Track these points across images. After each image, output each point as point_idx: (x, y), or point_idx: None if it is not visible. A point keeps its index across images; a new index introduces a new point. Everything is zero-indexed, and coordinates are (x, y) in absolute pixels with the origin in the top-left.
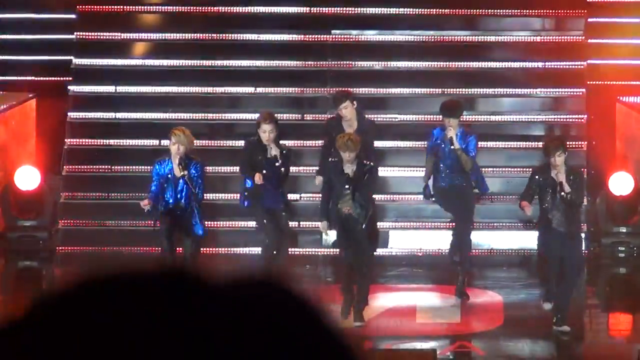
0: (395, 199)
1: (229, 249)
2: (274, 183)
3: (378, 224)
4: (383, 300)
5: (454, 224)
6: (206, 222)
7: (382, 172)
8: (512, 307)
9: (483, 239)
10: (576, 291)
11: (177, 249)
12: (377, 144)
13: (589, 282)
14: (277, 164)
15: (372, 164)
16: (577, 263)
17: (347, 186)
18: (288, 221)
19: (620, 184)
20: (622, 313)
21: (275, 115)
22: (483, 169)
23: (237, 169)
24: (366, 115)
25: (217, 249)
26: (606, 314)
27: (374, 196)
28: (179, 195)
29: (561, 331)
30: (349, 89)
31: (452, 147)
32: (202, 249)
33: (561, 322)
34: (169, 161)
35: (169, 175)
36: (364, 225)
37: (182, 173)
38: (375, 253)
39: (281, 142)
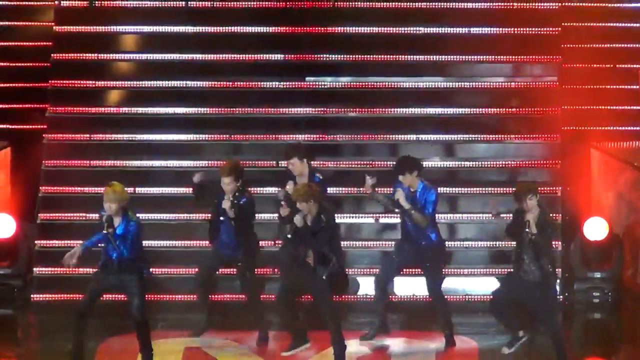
0: (368, 245)
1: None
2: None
3: (352, 270)
4: (359, 347)
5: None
6: None
7: (353, 218)
8: (486, 353)
9: (458, 285)
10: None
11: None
12: (356, 190)
13: (563, 327)
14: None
15: (324, 220)
16: (546, 313)
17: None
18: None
19: (594, 229)
20: (597, 359)
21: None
22: (458, 215)
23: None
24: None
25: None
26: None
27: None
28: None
29: None
30: (300, 143)
31: (398, 210)
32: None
33: None
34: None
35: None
36: (323, 276)
37: (105, 231)
38: (343, 299)
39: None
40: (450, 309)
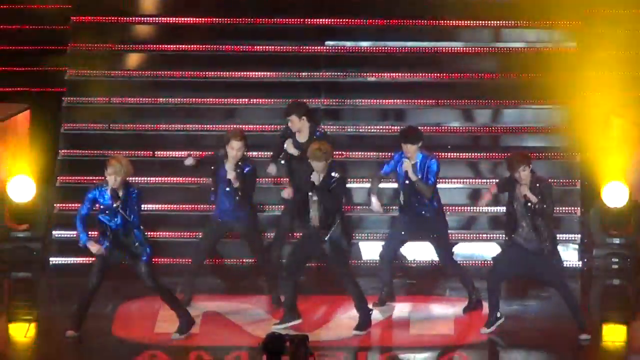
0: (387, 210)
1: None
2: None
3: (373, 234)
4: (377, 312)
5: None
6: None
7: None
8: (505, 318)
9: (479, 251)
10: (577, 296)
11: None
12: (375, 154)
13: (582, 293)
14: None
15: (337, 176)
16: (554, 279)
17: (310, 194)
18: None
19: (614, 195)
20: (615, 324)
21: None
22: (477, 180)
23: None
24: (320, 127)
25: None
26: (600, 325)
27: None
28: (118, 222)
29: (581, 339)
30: (304, 100)
31: (407, 181)
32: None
33: (580, 331)
34: (105, 191)
35: (109, 204)
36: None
37: (115, 204)
38: (364, 264)
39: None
40: (469, 272)
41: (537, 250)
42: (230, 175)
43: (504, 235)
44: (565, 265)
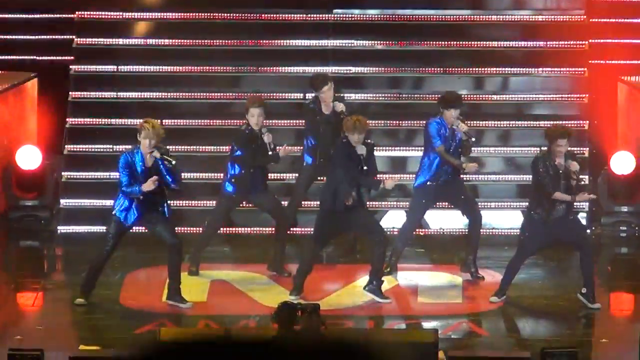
0: (397, 179)
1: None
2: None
3: (381, 203)
4: (385, 280)
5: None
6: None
7: (386, 151)
8: (513, 287)
9: (484, 219)
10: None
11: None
12: (387, 122)
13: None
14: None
15: (371, 142)
16: (583, 242)
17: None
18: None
19: (621, 163)
20: (624, 293)
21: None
22: (485, 148)
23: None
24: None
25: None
26: (608, 294)
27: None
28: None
29: (592, 308)
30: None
31: (465, 139)
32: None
33: (591, 300)
34: (138, 153)
35: (141, 168)
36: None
37: (162, 156)
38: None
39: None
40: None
41: (563, 215)
42: (268, 138)
43: (527, 209)
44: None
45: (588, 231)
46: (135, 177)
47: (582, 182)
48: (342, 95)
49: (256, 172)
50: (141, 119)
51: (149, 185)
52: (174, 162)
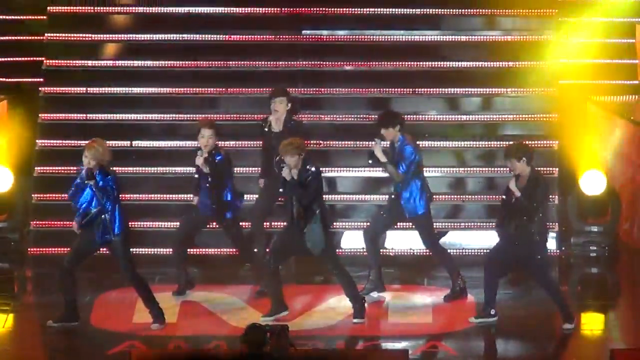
0: (365, 199)
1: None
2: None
3: (352, 224)
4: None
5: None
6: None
7: (356, 172)
8: (483, 307)
9: (455, 239)
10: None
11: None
12: (356, 142)
13: (560, 281)
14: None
15: (313, 170)
16: (537, 273)
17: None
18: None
19: (591, 183)
20: (594, 312)
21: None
22: (454, 169)
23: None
24: (295, 117)
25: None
26: (578, 313)
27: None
28: (89, 203)
29: (564, 328)
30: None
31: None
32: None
33: (564, 320)
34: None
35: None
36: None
37: (90, 182)
38: (341, 253)
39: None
40: (452, 259)
41: (525, 243)
42: (199, 161)
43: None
44: (547, 257)
45: (557, 251)
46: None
47: (522, 202)
48: (300, 120)
49: (204, 190)
50: (110, 140)
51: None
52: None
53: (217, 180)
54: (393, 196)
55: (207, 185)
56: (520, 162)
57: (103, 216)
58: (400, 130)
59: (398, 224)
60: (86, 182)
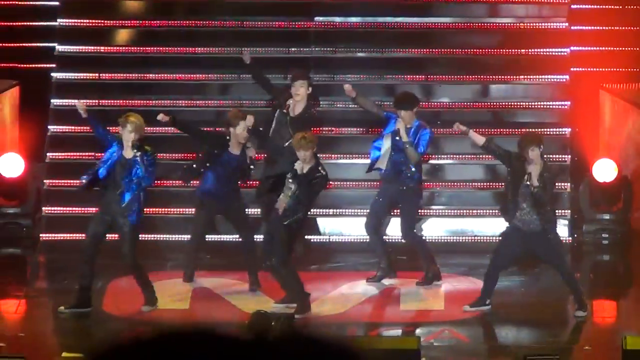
0: (378, 186)
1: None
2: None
3: (358, 211)
4: (366, 288)
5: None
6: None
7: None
8: (495, 293)
9: (466, 226)
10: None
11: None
12: (369, 129)
13: (572, 268)
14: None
15: (323, 173)
16: (555, 259)
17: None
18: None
19: (603, 170)
20: (606, 300)
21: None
22: (466, 156)
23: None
24: (315, 104)
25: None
26: (590, 301)
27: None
28: (124, 182)
29: (576, 316)
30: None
31: (397, 138)
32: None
33: (577, 308)
34: (117, 146)
35: (120, 160)
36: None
37: (137, 155)
38: (356, 240)
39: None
40: (429, 248)
41: (538, 231)
42: (251, 152)
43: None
44: (562, 245)
45: (569, 239)
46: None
47: (536, 190)
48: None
49: (219, 180)
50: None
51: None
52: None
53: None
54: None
55: (226, 176)
56: (535, 151)
57: (126, 193)
58: (415, 113)
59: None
60: (136, 153)
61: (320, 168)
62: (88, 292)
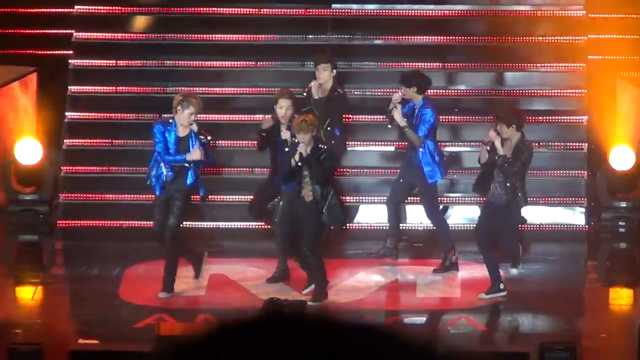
0: (394, 173)
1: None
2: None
3: (375, 199)
4: (383, 275)
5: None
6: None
7: (384, 146)
8: (512, 281)
9: (474, 214)
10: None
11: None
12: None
13: (589, 256)
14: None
15: (325, 148)
16: (507, 231)
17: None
18: None
19: (620, 158)
20: (622, 288)
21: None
22: (479, 144)
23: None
24: (340, 89)
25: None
26: (607, 288)
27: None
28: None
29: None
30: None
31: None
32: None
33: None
34: (173, 124)
35: (175, 138)
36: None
37: (205, 138)
38: (373, 227)
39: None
40: (451, 236)
41: (501, 207)
42: (285, 134)
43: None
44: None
45: (586, 227)
46: (167, 147)
47: (501, 161)
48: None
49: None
50: (139, 113)
51: (195, 154)
52: (209, 138)
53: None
54: (406, 163)
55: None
56: (509, 128)
57: (186, 165)
58: (420, 92)
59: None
60: (200, 136)
61: (320, 145)
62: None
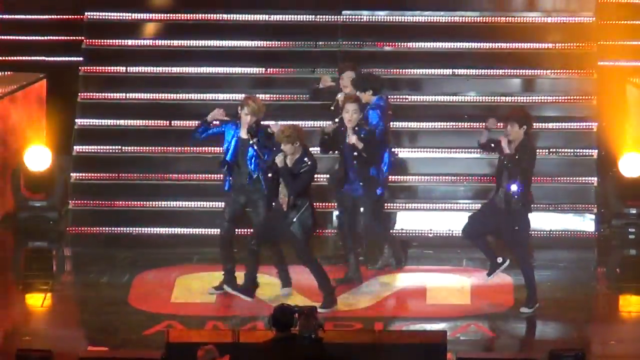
0: (405, 180)
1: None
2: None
3: (388, 204)
4: (393, 282)
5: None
6: None
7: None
8: (521, 289)
9: None
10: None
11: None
12: (394, 123)
13: (599, 263)
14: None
15: (309, 163)
16: (513, 244)
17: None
18: None
19: (630, 165)
20: (632, 295)
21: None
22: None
23: None
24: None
25: None
26: (616, 295)
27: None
28: (248, 162)
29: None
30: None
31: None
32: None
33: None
34: (237, 129)
35: (235, 141)
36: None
37: (252, 141)
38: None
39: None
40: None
41: (509, 211)
42: (352, 139)
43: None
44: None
45: (596, 233)
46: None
47: (507, 160)
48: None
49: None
50: (148, 120)
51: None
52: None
53: (371, 156)
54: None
55: (355, 162)
56: (520, 129)
57: (252, 172)
58: (375, 94)
59: (435, 204)
60: (251, 142)
61: (306, 159)
62: (232, 274)
